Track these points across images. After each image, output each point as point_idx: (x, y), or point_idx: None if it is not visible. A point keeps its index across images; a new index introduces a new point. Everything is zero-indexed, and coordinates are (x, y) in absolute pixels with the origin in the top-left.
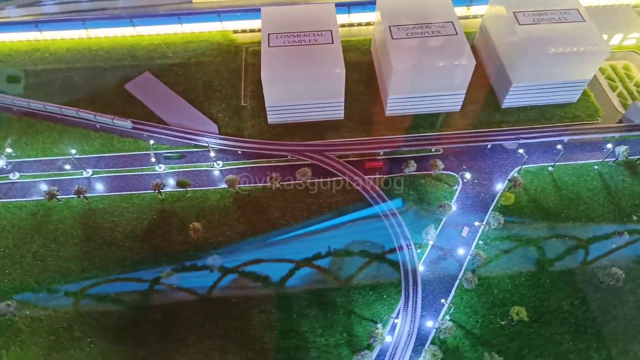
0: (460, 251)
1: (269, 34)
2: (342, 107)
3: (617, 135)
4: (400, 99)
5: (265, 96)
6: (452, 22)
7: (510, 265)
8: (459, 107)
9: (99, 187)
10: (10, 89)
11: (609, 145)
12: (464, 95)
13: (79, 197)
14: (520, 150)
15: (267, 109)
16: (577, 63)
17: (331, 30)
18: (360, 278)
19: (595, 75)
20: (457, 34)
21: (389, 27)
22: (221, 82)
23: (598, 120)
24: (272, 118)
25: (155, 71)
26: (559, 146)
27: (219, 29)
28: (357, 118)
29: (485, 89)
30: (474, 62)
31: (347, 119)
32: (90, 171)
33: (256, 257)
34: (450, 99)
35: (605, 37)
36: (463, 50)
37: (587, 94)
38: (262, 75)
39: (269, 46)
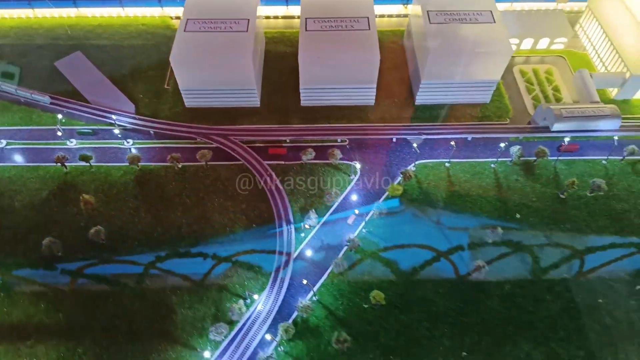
0: (341, 237)
1: (187, 19)
2: (257, 95)
3: (520, 136)
4: (313, 89)
5: (178, 79)
6: (367, 17)
7: (385, 253)
8: (373, 101)
9: (10, 157)
10: None
11: (502, 145)
12: (374, 90)
13: None
14: (415, 145)
15: (181, 92)
16: (482, 64)
17: (248, 20)
18: (238, 258)
19: (515, 78)
20: (369, 29)
21: (306, 18)
22: (150, 65)
23: (507, 121)
24: (188, 102)
25: (89, 51)
26: (452, 142)
27: (159, 14)
28: (273, 107)
29: (405, 86)
30: (378, 58)
31: (263, 106)
32: (4, 142)
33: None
34: (362, 92)
35: (531, 40)
36: (371, 45)
37: (501, 95)
38: (170, 57)
39: (184, 30)
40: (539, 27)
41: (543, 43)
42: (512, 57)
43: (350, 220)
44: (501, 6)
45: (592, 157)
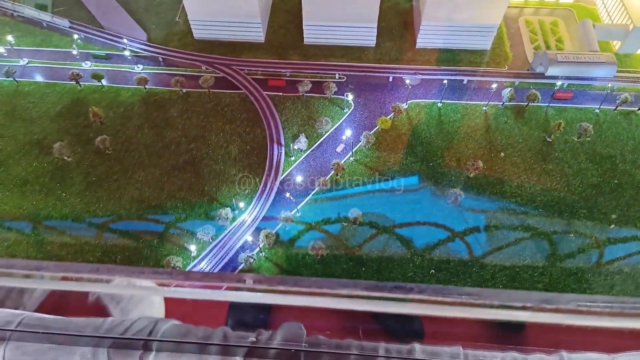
0: (329, 163)
1: None
2: (262, 30)
3: (516, 81)
4: (316, 26)
5: (187, 9)
6: None
7: (370, 181)
8: (374, 42)
9: (31, 74)
10: None
11: (494, 86)
12: (375, 30)
13: (8, 78)
14: (408, 82)
15: (190, 22)
16: (482, 6)
17: None
18: (233, 173)
19: (519, 28)
20: None
21: None
22: None
23: (505, 67)
24: (197, 33)
25: None
26: (444, 81)
27: None
28: (277, 43)
29: (409, 29)
30: None
31: (267, 42)
32: (26, 60)
33: None
34: (364, 32)
35: None
36: None
37: (503, 44)
38: None
39: None
40: None
41: None
42: (521, 7)
43: (339, 149)
44: None
45: (585, 105)
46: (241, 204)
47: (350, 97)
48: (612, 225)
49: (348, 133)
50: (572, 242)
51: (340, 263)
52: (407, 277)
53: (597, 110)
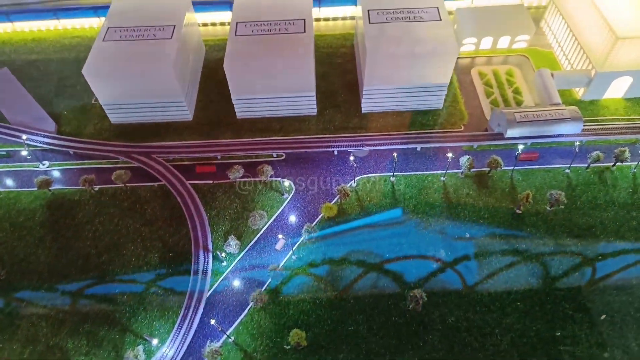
0: (267, 266)
1: (108, 28)
2: (187, 108)
3: (475, 144)
4: (247, 100)
5: (96, 94)
6: (303, 19)
7: (315, 283)
8: (315, 110)
9: None
10: None
11: (450, 155)
12: (314, 99)
13: None
14: (352, 159)
15: (104, 107)
16: (426, 66)
17: (174, 26)
18: (152, 291)
19: (472, 81)
20: (304, 32)
21: (236, 22)
22: (78, 78)
23: (461, 128)
24: (114, 118)
25: (17, 67)
26: (394, 154)
27: (97, 25)
28: (207, 120)
29: (354, 91)
30: (313, 63)
31: (195, 121)
32: None
33: None
34: (302, 101)
35: (490, 39)
36: (305, 49)
37: (457, 100)
38: (83, 70)
39: (103, 40)
40: (499, 25)
41: (504, 42)
42: (472, 57)
43: (278, 246)
44: (460, 3)
45: (553, 165)
46: (154, 341)
47: (286, 183)
48: (603, 317)
49: (292, 219)
50: None
51: None
52: None
53: (568, 171)
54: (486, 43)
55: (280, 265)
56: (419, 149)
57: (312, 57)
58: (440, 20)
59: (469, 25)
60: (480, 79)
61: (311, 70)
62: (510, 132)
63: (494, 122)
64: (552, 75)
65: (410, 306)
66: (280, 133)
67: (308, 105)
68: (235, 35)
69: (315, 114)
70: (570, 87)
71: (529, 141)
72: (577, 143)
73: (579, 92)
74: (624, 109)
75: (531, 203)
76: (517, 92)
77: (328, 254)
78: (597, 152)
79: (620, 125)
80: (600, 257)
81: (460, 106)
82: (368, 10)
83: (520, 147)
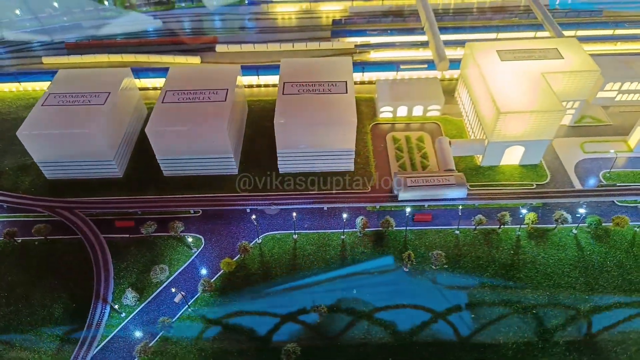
0: (161, 319)
1: (49, 94)
2: (117, 166)
3: (377, 205)
4: (172, 160)
5: (30, 151)
6: (227, 89)
7: (207, 335)
8: (236, 170)
9: None
10: None
11: (345, 215)
12: (233, 160)
13: None
14: (253, 217)
15: (38, 163)
16: (329, 133)
17: (109, 93)
18: (42, 349)
19: (386, 145)
20: (225, 100)
21: (166, 91)
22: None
23: (369, 189)
24: (48, 174)
25: None
26: (294, 214)
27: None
28: (136, 177)
29: (274, 153)
30: (225, 127)
31: (126, 177)
32: None
33: None
34: (224, 162)
35: (405, 108)
36: (221, 114)
37: (369, 163)
38: (17, 132)
39: (42, 105)
40: (413, 95)
41: (419, 110)
42: (391, 124)
43: (177, 299)
44: (385, 74)
45: (445, 227)
46: None
47: (189, 240)
48: None
49: (203, 272)
50: None
51: None
52: None
53: (457, 232)
54: (402, 111)
55: (175, 318)
56: (325, 209)
57: (226, 123)
58: (347, 93)
59: (386, 94)
60: (394, 143)
61: (224, 132)
62: (402, 195)
63: (395, 184)
64: (450, 143)
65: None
66: (203, 191)
67: (229, 165)
68: (163, 102)
69: (236, 173)
70: (469, 154)
71: (426, 203)
72: (460, 207)
73: (479, 159)
74: (518, 174)
75: (413, 262)
76: (424, 157)
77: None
78: (480, 215)
79: (508, 190)
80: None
81: (371, 169)
82: (284, 83)
83: (408, 209)
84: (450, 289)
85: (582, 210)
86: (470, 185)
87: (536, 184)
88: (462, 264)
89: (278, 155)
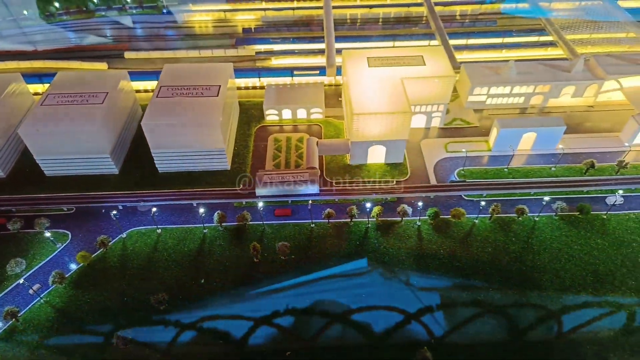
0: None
1: None
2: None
3: (244, 201)
4: (51, 160)
5: None
6: (106, 92)
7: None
8: (116, 170)
9: None
10: None
11: (202, 210)
12: (110, 160)
13: None
14: (113, 212)
15: None
16: (197, 134)
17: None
18: None
19: (267, 145)
20: (102, 103)
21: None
22: None
23: (239, 187)
24: None
25: None
26: (153, 209)
27: None
28: (20, 177)
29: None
30: (104, 129)
31: (10, 177)
32: None
33: None
34: (100, 162)
35: (289, 111)
36: (99, 115)
37: (246, 163)
38: None
39: None
40: (297, 99)
41: (302, 113)
42: (278, 125)
43: (33, 289)
44: (283, 79)
45: (303, 220)
46: None
47: (48, 234)
48: None
49: (64, 266)
50: None
51: None
52: None
53: (313, 225)
54: (287, 114)
55: (25, 311)
56: (195, 204)
57: (102, 124)
58: (217, 96)
59: (272, 99)
60: (275, 144)
61: (104, 135)
62: (259, 191)
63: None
64: (317, 143)
65: None
66: (80, 189)
67: (108, 165)
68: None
69: (117, 172)
70: (335, 154)
71: (269, 200)
72: (310, 201)
73: (349, 158)
74: (382, 172)
75: (259, 252)
76: (300, 156)
77: None
78: (328, 209)
79: (369, 187)
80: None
81: (247, 168)
82: (160, 87)
83: (260, 204)
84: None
85: (420, 204)
86: (336, 182)
87: (396, 181)
88: (310, 254)
89: (153, 155)
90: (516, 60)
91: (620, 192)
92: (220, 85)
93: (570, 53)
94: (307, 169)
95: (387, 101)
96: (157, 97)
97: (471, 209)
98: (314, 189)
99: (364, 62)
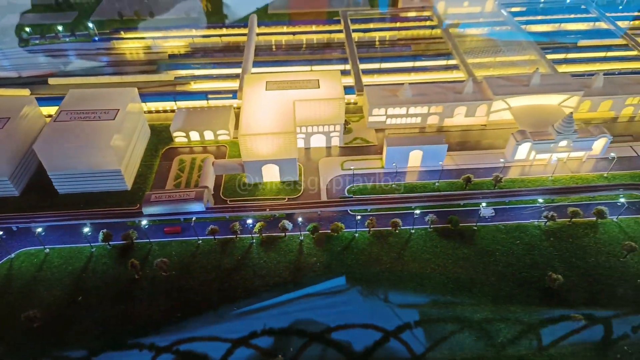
0: None
1: None
2: None
3: (137, 220)
4: None
5: None
6: (8, 118)
7: None
8: (17, 193)
9: None
10: None
11: (86, 230)
12: (9, 182)
13: None
14: (14, 228)
15: None
16: (92, 155)
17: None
18: None
19: (172, 165)
20: (2, 128)
21: None
22: None
23: (137, 206)
24: None
25: None
26: (39, 229)
27: None
28: None
29: None
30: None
31: None
32: None
33: None
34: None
35: (197, 133)
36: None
37: (147, 183)
38: None
39: None
40: (203, 122)
41: (210, 135)
42: (188, 147)
43: None
44: (191, 103)
45: (189, 237)
46: None
47: None
48: None
49: None
50: None
51: None
52: None
53: (200, 242)
54: (195, 136)
55: None
56: (87, 225)
57: None
58: (114, 119)
59: (180, 121)
60: (179, 165)
61: (3, 160)
62: (146, 210)
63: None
64: (213, 163)
65: None
66: None
67: (8, 188)
68: None
69: (17, 194)
70: (231, 173)
71: (159, 218)
72: (194, 218)
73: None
74: (277, 190)
75: (138, 269)
76: (200, 176)
77: None
78: (212, 225)
79: (262, 204)
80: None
81: (147, 188)
82: (60, 111)
83: (144, 222)
84: (167, 293)
85: (300, 219)
86: (231, 200)
87: (288, 198)
88: (191, 269)
89: (50, 177)
90: (418, 83)
91: (484, 204)
92: (118, 109)
93: (469, 75)
94: (198, 187)
95: (275, 122)
96: (54, 121)
97: (354, 223)
98: (199, 206)
99: (262, 85)
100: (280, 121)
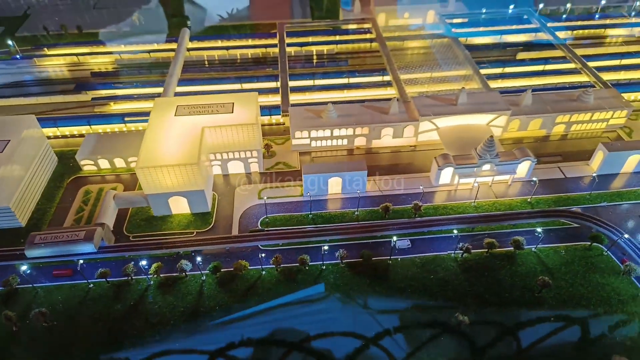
0: None
1: None
2: None
3: (24, 262)
4: None
5: None
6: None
7: None
8: None
9: None
10: None
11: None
12: None
13: None
14: None
15: None
16: None
17: None
18: None
19: (76, 197)
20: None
21: None
22: None
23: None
24: None
25: None
26: None
27: None
28: None
29: None
30: None
31: None
32: None
33: None
34: None
35: (106, 161)
36: None
37: (45, 220)
38: None
39: None
40: (113, 149)
41: (121, 162)
42: (99, 175)
43: None
44: (108, 127)
45: (78, 281)
46: None
47: None
48: None
49: None
50: None
51: None
52: None
53: (92, 285)
54: (105, 164)
55: None
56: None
57: None
58: (2, 152)
59: (88, 148)
60: (84, 196)
61: None
62: (29, 253)
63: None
64: (114, 196)
65: None
66: None
67: None
68: None
69: None
70: (133, 206)
71: (46, 260)
72: (81, 261)
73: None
74: (186, 223)
75: (14, 321)
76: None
77: None
78: (101, 268)
79: (167, 240)
80: None
81: (44, 225)
82: None
83: (24, 267)
84: None
85: (199, 259)
86: (134, 235)
87: (196, 232)
88: (76, 319)
89: None
90: (346, 102)
91: (395, 238)
92: (9, 140)
93: (399, 93)
94: (93, 225)
95: (179, 152)
96: None
97: (266, 259)
98: (89, 247)
99: (172, 110)
100: (185, 151)
